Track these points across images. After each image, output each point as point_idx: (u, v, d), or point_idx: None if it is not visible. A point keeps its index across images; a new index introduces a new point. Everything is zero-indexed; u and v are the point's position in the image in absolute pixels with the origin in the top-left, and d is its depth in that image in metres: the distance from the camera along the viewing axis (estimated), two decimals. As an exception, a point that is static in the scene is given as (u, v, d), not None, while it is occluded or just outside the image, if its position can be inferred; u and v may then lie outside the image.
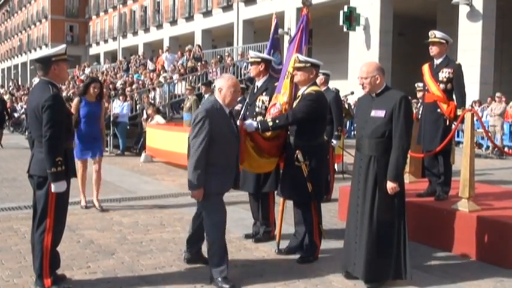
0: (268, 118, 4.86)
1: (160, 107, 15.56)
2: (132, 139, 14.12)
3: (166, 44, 34.13)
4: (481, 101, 16.94)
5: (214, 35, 33.87)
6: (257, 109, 5.29)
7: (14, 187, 8.54)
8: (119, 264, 4.70)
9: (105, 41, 48.41)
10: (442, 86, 5.73)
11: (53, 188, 3.84)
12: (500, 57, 20.99)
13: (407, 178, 6.37)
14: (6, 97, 24.02)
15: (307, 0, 5.32)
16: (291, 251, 4.97)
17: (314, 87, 4.78)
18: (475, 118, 5.36)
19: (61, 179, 3.86)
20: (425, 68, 5.95)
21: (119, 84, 19.31)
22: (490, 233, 4.90)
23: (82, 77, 25.12)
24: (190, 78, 16.89)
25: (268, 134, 4.78)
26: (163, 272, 4.52)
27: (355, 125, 12.67)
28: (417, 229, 5.20)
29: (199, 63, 18.32)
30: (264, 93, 5.30)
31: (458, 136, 11.24)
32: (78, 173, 6.47)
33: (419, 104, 8.22)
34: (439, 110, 5.72)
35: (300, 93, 4.83)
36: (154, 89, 16.88)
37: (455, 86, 5.71)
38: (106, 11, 48.54)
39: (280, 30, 21.84)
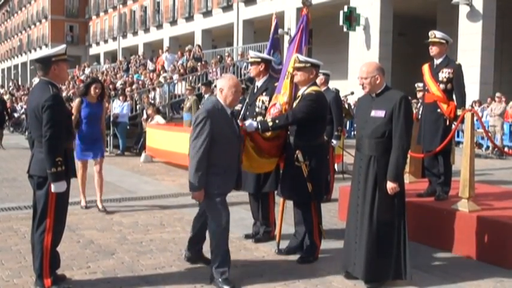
0: (268, 118, 4.86)
1: (160, 107, 15.56)
2: (132, 139, 14.12)
3: (166, 44, 34.13)
4: (481, 101, 16.94)
5: (214, 35, 33.88)
6: (257, 109, 5.29)
7: (14, 187, 8.54)
8: (119, 264, 4.70)
9: (105, 41, 48.41)
10: (442, 86, 5.73)
11: (53, 188, 3.84)
12: (500, 57, 20.99)
13: (407, 178, 6.37)
14: (6, 97, 24.00)
15: (307, 0, 5.32)
16: (291, 251, 4.97)
17: (314, 88, 4.78)
18: (475, 118, 5.36)
19: (61, 179, 3.86)
20: (425, 68, 5.95)
21: (119, 84, 19.31)
22: (490, 233, 4.90)
23: (82, 77, 25.15)
24: (190, 78, 16.89)
25: (268, 134, 4.78)
26: (163, 272, 4.52)
27: (355, 125, 12.67)
28: (417, 229, 5.20)
29: (199, 63, 18.32)
30: (264, 93, 5.30)
31: (458, 136, 11.23)
32: (78, 173, 6.46)
33: (419, 104, 8.21)
34: (439, 110, 5.73)
35: (300, 93, 4.83)
36: (154, 89, 16.89)
37: (455, 86, 5.71)
38: (106, 11, 48.55)
39: (280, 30, 21.83)
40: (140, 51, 37.60)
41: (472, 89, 16.52)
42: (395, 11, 22.05)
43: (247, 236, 5.51)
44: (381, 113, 4.11)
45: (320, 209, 4.92)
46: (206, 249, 4.44)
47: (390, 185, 4.07)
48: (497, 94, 15.88)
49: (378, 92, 4.23)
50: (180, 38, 36.41)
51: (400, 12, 22.47)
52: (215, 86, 12.64)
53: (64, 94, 19.20)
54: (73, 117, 6.64)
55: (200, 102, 12.40)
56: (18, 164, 11.30)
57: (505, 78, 22.37)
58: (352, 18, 21.97)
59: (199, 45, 22.71)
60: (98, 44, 50.14)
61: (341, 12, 21.90)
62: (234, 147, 4.24)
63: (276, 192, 5.19)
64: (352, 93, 10.67)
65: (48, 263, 3.93)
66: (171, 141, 10.93)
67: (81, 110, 6.81)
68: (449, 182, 5.81)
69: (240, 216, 6.25)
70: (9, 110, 19.98)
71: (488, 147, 14.99)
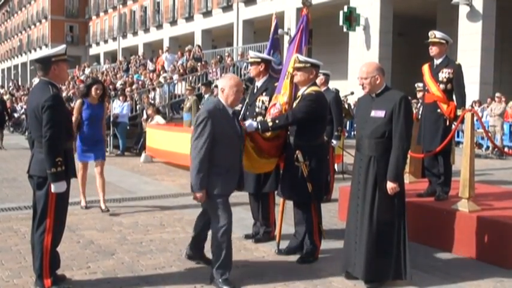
0: (268, 118, 4.86)
1: (160, 107, 15.57)
2: (132, 139, 14.13)
3: (166, 44, 34.12)
4: (481, 101, 16.94)
5: (214, 35, 33.88)
6: (257, 109, 5.30)
7: (14, 187, 8.54)
8: (119, 264, 4.70)
9: (105, 41, 48.42)
10: (442, 86, 5.73)
11: (53, 188, 3.84)
12: (500, 57, 21.00)
13: (407, 178, 6.37)
14: (6, 97, 24.00)
15: (307, 0, 5.32)
16: (291, 251, 4.97)
17: (314, 88, 4.78)
18: (475, 118, 5.36)
19: (61, 179, 3.86)
20: (425, 68, 5.95)
21: (118, 84, 19.31)
22: (490, 233, 4.90)
23: (82, 78, 25.14)
24: (190, 78, 16.88)
25: (268, 134, 4.78)
26: (163, 272, 4.52)
27: (355, 125, 12.67)
28: (417, 229, 5.20)
29: (199, 64, 18.32)
30: (264, 94, 5.30)
31: (458, 136, 11.24)
32: (79, 174, 6.46)
33: (419, 104, 8.22)
34: (439, 110, 5.73)
35: (299, 93, 4.83)
36: (154, 89, 16.89)
37: (455, 86, 5.71)
38: (106, 11, 48.55)
39: (280, 31, 21.82)
40: (140, 51, 37.59)
41: (472, 89, 16.53)
42: (395, 11, 22.06)
43: (247, 236, 5.51)
44: (380, 113, 4.11)
45: (320, 209, 4.92)
46: (207, 249, 4.43)
47: (390, 185, 4.07)
48: (497, 94, 15.89)
49: (378, 92, 4.23)
50: (180, 38, 36.41)
51: (400, 12, 22.47)
52: (215, 86, 12.68)
53: (64, 94, 19.19)
54: (74, 118, 6.65)
55: (200, 103, 12.40)
56: (18, 164, 11.30)
57: (505, 78, 22.37)
58: (352, 18, 21.97)
59: (199, 46, 22.72)
60: (97, 44, 50.14)
61: (341, 13, 21.90)
62: (235, 147, 4.22)
63: (276, 192, 5.19)
64: (352, 93, 10.68)
65: (48, 263, 3.93)
66: (171, 141, 10.93)
67: (82, 111, 6.77)
68: (449, 182, 5.81)
69: (240, 216, 6.25)
70: (9, 110, 19.98)
71: (488, 147, 15.00)
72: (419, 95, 10.11)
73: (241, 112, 5.59)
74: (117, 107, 14.19)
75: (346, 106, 13.09)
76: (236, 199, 6.69)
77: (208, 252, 4.38)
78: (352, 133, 18.03)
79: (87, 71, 28.94)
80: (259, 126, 4.69)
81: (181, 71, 17.79)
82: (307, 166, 4.64)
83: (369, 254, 4.12)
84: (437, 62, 5.83)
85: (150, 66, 22.01)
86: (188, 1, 35.45)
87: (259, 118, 5.13)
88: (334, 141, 7.49)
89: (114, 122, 13.82)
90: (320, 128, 4.84)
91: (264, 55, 5.60)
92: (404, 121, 4.04)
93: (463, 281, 4.39)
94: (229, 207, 4.19)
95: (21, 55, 59.87)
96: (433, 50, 5.79)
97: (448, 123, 5.70)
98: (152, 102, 15.39)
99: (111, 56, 44.37)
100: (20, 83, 42.47)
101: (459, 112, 5.55)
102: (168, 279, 4.32)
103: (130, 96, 15.93)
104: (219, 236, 4.08)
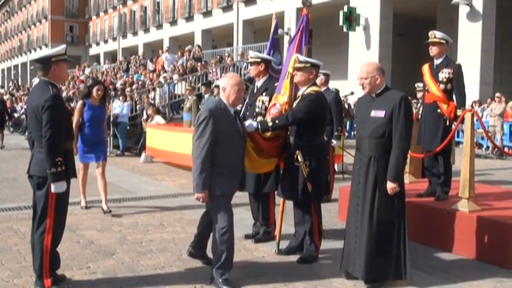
0: (268, 118, 4.86)
1: (160, 108, 15.56)
2: (132, 139, 14.13)
3: (166, 44, 34.12)
4: (481, 101, 16.94)
5: (214, 35, 33.87)
6: (257, 109, 5.30)
7: (14, 187, 8.54)
8: (118, 264, 4.70)
9: (105, 41, 48.41)
10: (442, 86, 5.73)
11: (53, 188, 3.84)
12: (500, 58, 20.99)
13: (407, 178, 6.37)
14: (6, 97, 24.00)
15: (307, 0, 5.32)
16: (291, 252, 4.97)
17: (314, 88, 4.78)
18: (475, 118, 5.36)
19: (61, 179, 3.86)
20: (425, 68, 5.95)
21: (118, 84, 19.31)
22: (490, 233, 4.90)
23: (82, 78, 25.14)
24: (190, 78, 16.88)
25: (268, 134, 4.78)
26: (163, 272, 4.52)
27: (355, 125, 12.67)
28: (417, 229, 5.20)
29: (199, 64, 18.32)
30: (264, 94, 5.30)
31: (458, 136, 11.24)
32: (79, 174, 6.46)
33: (419, 104, 8.22)
34: (439, 110, 5.73)
35: (299, 93, 4.83)
36: (154, 89, 16.89)
37: (455, 86, 5.71)
38: (106, 11, 48.55)
39: (280, 31, 21.83)
40: (140, 51, 37.61)
41: (472, 89, 16.52)
42: (395, 11, 22.05)
43: (247, 236, 5.51)
44: (380, 113, 4.11)
45: (320, 209, 4.92)
46: (209, 249, 4.42)
47: (390, 185, 4.07)
48: (497, 94, 15.89)
49: (378, 92, 4.23)
50: (180, 38, 36.41)
51: (400, 12, 22.47)
52: (215, 87, 12.68)
53: (64, 94, 19.19)
54: (75, 120, 6.64)
55: (200, 103, 12.39)
56: (18, 164, 11.30)
57: (505, 78, 22.36)
58: (352, 18, 21.97)
59: (199, 46, 22.71)
60: (97, 44, 50.14)
61: (341, 13, 21.89)
62: (237, 146, 4.20)
63: (276, 192, 5.19)
64: (352, 93, 10.68)
65: (48, 263, 3.93)
66: (171, 141, 10.93)
67: (84, 112, 6.76)
68: (449, 182, 5.81)
69: (240, 216, 6.25)
70: (9, 110, 19.98)
71: (488, 147, 14.99)
72: (419, 95, 10.11)
73: (241, 112, 5.59)
74: (117, 107, 14.19)
75: (346, 106, 13.09)
76: (236, 199, 6.66)
77: (209, 251, 4.38)
78: (352, 133, 18.03)
79: (87, 71, 28.94)
80: (259, 126, 4.68)
81: (181, 71, 17.79)
82: (307, 166, 4.63)
83: (369, 254, 4.12)
84: (437, 62, 5.83)
85: (150, 66, 22.00)
86: (188, 1, 35.45)
87: (259, 118, 5.13)
88: (334, 141, 7.49)
89: (114, 122, 13.82)
90: (320, 128, 4.84)
91: (264, 55, 5.60)
92: (404, 121, 4.04)
93: (463, 281, 4.39)
94: (231, 208, 4.19)
95: (21, 55, 59.88)
96: (433, 50, 5.79)
97: (448, 123, 5.70)
98: (152, 102, 15.39)
99: (111, 56, 44.37)
100: (20, 83, 42.46)
101: (459, 112, 5.55)
102: (168, 279, 4.32)
103: (130, 96, 15.93)
104: (220, 236, 4.07)
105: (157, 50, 28.20)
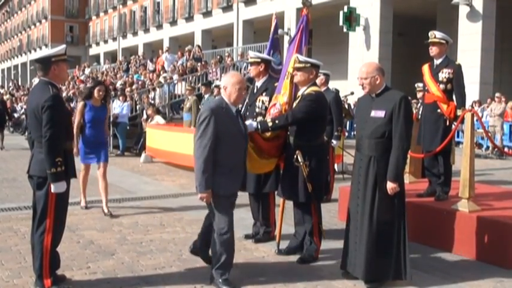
0: (268, 118, 4.86)
1: (160, 108, 15.56)
2: (132, 139, 14.13)
3: (166, 44, 34.12)
4: (481, 101, 16.95)
5: (214, 35, 33.88)
6: (257, 109, 5.30)
7: (14, 187, 8.54)
8: (118, 264, 4.70)
9: (105, 42, 48.41)
10: (442, 86, 5.73)
11: (53, 188, 3.84)
12: (500, 58, 20.99)
13: (407, 178, 6.37)
14: (6, 97, 24.00)
15: (307, 0, 5.32)
16: (291, 252, 4.97)
17: (314, 88, 4.78)
18: (475, 118, 5.36)
19: (61, 179, 3.86)
20: (425, 68, 5.95)
21: (118, 84, 19.30)
22: (490, 233, 4.90)
23: (82, 78, 25.14)
24: (190, 78, 16.88)
25: (268, 134, 4.78)
26: (163, 272, 4.52)
27: (355, 125, 12.67)
28: (417, 229, 5.20)
29: (199, 64, 18.31)
30: (263, 94, 5.30)
31: (458, 136, 11.23)
32: (80, 175, 6.44)
33: (419, 104, 8.21)
34: (439, 110, 5.73)
35: (299, 93, 4.83)
36: (154, 90, 16.88)
37: (455, 86, 5.71)
38: (106, 12, 48.54)
39: (280, 31, 21.82)
40: (140, 51, 37.59)
41: (472, 89, 16.53)
42: (395, 11, 22.06)
43: (247, 236, 5.51)
44: (380, 113, 4.12)
45: (320, 209, 4.92)
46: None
47: (390, 185, 4.07)
48: (497, 94, 15.89)
49: (378, 92, 4.23)
50: (180, 38, 36.41)
51: (400, 12, 22.48)
52: (215, 87, 12.68)
53: (64, 94, 19.20)
54: (77, 121, 6.63)
55: (200, 103, 12.39)
56: (18, 164, 11.30)
57: (505, 78, 22.36)
58: (352, 18, 21.97)
59: (199, 46, 22.71)
60: (97, 44, 50.14)
61: (341, 13, 21.90)
62: (239, 146, 4.17)
63: (276, 192, 5.19)
64: (352, 93, 10.68)
65: (48, 264, 3.93)
66: (171, 141, 10.93)
67: (85, 113, 6.73)
68: (449, 182, 5.81)
69: (240, 216, 6.24)
70: (9, 110, 19.98)
71: (488, 147, 15.00)
72: (419, 95, 10.11)
73: (241, 112, 5.59)
74: (117, 107, 14.19)
75: (346, 106, 13.09)
76: (236, 199, 6.70)
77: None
78: (352, 133, 18.03)
79: (87, 71, 28.93)
80: (259, 127, 4.68)
81: (181, 71, 17.78)
82: (307, 166, 4.63)
83: (369, 254, 4.12)
84: (437, 62, 5.83)
85: (150, 66, 22.00)
86: (188, 1, 35.45)
87: (259, 118, 5.13)
88: (334, 141, 7.49)
89: (114, 122, 13.81)
90: (320, 128, 4.83)
91: (264, 55, 5.60)
92: (404, 121, 4.04)
93: (463, 281, 4.39)
94: (232, 209, 4.18)
95: (21, 55, 59.87)
96: (433, 50, 5.79)
97: (448, 123, 5.70)
98: (152, 102, 15.38)
99: (111, 56, 44.37)
100: (20, 83, 42.47)
101: (459, 112, 5.55)
102: (168, 279, 4.32)
103: (130, 97, 15.93)
104: (219, 237, 4.06)
105: (157, 50, 28.20)
